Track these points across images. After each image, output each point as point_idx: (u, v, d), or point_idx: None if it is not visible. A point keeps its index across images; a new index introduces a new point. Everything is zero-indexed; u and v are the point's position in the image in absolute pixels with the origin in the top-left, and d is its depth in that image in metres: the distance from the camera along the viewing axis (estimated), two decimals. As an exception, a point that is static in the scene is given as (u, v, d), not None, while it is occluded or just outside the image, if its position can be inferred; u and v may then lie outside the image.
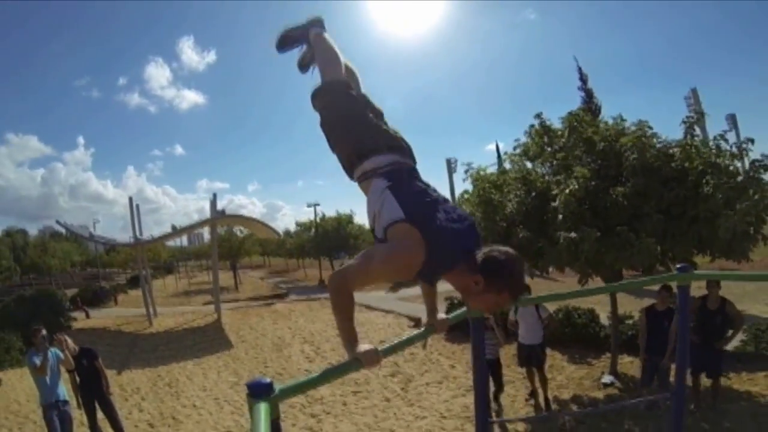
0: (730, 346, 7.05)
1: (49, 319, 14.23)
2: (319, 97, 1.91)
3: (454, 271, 1.54)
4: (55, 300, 16.37)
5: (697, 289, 5.45)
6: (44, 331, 5.65)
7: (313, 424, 6.79)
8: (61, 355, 5.77)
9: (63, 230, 34.71)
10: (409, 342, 1.87)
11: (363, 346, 1.48)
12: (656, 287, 5.97)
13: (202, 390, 8.93)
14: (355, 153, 1.76)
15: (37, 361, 5.50)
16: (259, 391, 1.15)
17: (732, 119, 22.72)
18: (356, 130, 1.79)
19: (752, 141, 5.67)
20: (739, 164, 5.74)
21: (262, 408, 1.09)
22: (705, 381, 5.92)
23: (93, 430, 6.43)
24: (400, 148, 1.78)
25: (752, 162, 5.53)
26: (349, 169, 1.82)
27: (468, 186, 7.19)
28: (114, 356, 11.85)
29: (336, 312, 1.52)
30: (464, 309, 2.30)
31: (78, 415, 6.32)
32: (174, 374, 10.08)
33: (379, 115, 1.87)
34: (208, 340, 13.66)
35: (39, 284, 31.23)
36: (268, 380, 1.17)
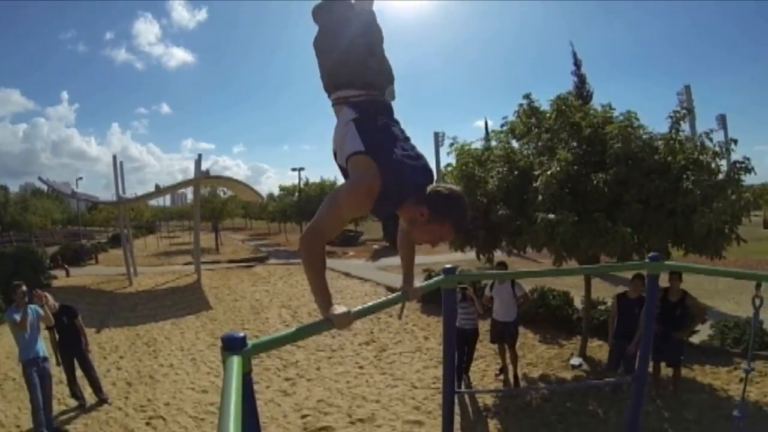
0: (696, 339, 7.34)
1: (29, 276, 14.06)
2: (317, 14, 1.96)
3: (405, 205, 1.65)
4: (35, 258, 16.15)
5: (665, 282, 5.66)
6: (24, 287, 5.63)
7: (287, 387, 6.93)
8: (41, 311, 5.78)
9: (45, 187, 33.98)
10: (382, 306, 1.93)
11: (336, 308, 1.55)
12: (632, 276, 6.16)
13: (179, 350, 9.00)
14: (331, 82, 1.89)
15: (17, 317, 5.51)
16: (232, 344, 1.20)
17: (722, 120, 22.95)
18: (337, 59, 1.86)
19: (735, 141, 5.80)
20: (722, 162, 5.87)
21: (235, 361, 1.14)
22: (666, 370, 6.17)
23: (72, 387, 6.54)
24: (375, 85, 1.86)
25: (733, 163, 5.66)
26: (327, 91, 1.94)
27: (452, 160, 7.21)
28: (93, 315, 11.80)
29: (308, 270, 1.60)
30: (437, 278, 2.37)
31: (57, 372, 6.38)
32: (152, 334, 10.12)
33: (372, 44, 1.90)
34: (186, 300, 13.68)
35: (19, 242, 30.71)
36: (242, 335, 1.22)
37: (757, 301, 2.36)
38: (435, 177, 1.74)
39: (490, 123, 30.41)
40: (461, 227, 1.69)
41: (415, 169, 1.68)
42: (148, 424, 6.02)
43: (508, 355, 6.94)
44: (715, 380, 6.44)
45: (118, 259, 21.26)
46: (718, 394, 6.03)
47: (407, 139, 1.79)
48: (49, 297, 6.09)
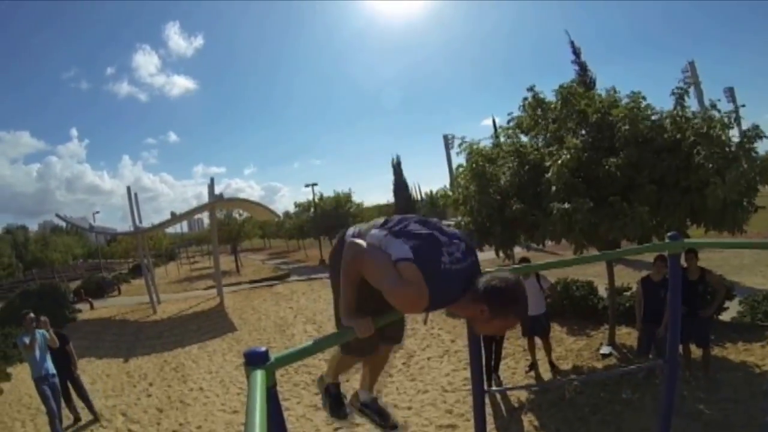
0: (726, 317, 7.17)
1: (54, 312, 14.37)
2: None
3: (458, 304, 1.61)
4: (59, 293, 16.44)
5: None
6: (32, 314, 6.49)
7: (317, 401, 6.92)
8: (47, 334, 6.57)
9: (63, 224, 34.75)
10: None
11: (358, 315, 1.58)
12: (654, 258, 6.05)
13: (207, 373, 9.08)
14: None
15: (26, 339, 6.30)
16: (255, 359, 1.21)
17: (730, 93, 22.59)
18: None
19: (743, 106, 5.69)
20: (734, 133, 5.75)
21: (259, 375, 1.15)
22: (696, 351, 6.04)
23: (68, 404, 7.12)
24: None
25: (744, 131, 5.55)
26: None
27: (462, 160, 7.18)
28: (120, 344, 12.03)
29: (344, 277, 1.63)
30: None
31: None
32: (180, 359, 10.23)
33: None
34: (211, 323, 13.79)
35: (42, 279, 31.31)
36: (264, 349, 1.23)
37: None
38: (480, 269, 1.69)
39: (497, 120, 30.30)
40: (523, 314, 1.63)
41: (463, 272, 1.61)
42: (182, 448, 6.08)
43: (538, 349, 6.87)
44: (749, 357, 6.28)
45: (140, 288, 21.56)
46: (753, 370, 5.90)
47: (452, 239, 1.70)
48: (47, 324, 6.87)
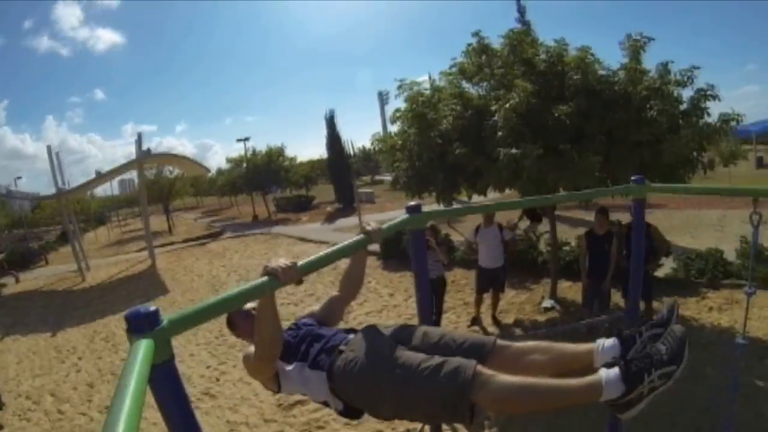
0: (661, 273, 7.43)
1: (-25, 289, 13.27)
2: None
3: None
4: (-22, 269, 15.02)
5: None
6: None
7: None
8: None
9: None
10: (340, 254, 1.60)
11: (279, 260, 1.34)
12: (591, 218, 6.04)
13: (141, 341, 8.52)
14: None
15: None
16: (139, 323, 0.85)
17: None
18: None
19: (698, 68, 5.61)
20: (686, 92, 5.71)
21: (142, 347, 0.79)
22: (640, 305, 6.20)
23: None
24: None
25: (697, 90, 5.53)
26: None
27: (400, 104, 6.74)
28: (47, 317, 11.13)
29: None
30: (402, 218, 2.07)
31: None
32: (110, 327, 9.53)
33: None
34: (143, 287, 13.10)
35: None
36: (153, 308, 0.87)
37: (755, 218, 2.16)
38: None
39: (435, 77, 30.06)
40: None
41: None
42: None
43: (485, 303, 6.84)
44: (685, 311, 6.54)
45: (69, 256, 20.05)
46: (690, 323, 6.12)
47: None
48: None
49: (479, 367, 1.39)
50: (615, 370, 1.32)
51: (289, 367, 1.73)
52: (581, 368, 1.49)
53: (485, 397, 1.35)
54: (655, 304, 6.45)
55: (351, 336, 1.75)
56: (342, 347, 1.67)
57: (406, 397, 1.44)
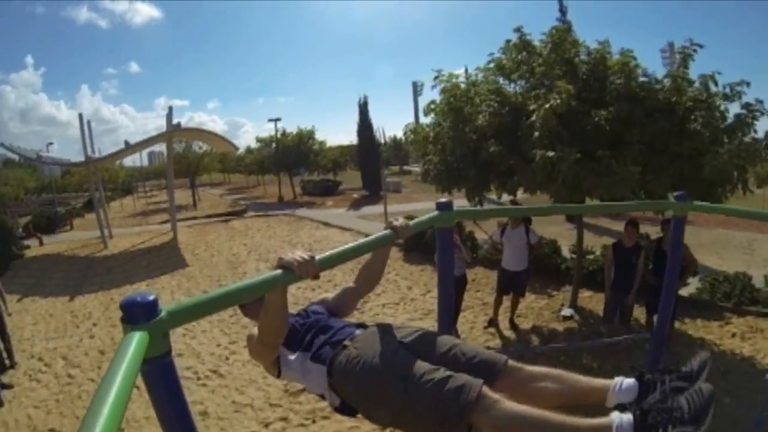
0: (685, 292, 7.18)
1: (1, 248, 13.61)
2: None
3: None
4: (6, 229, 15.45)
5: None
6: None
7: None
8: None
9: (15, 156, 32.34)
10: (366, 248, 1.52)
11: (298, 253, 1.25)
12: (618, 227, 5.82)
13: (155, 312, 8.61)
14: None
15: None
16: (135, 313, 0.76)
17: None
18: None
19: (748, 84, 5.32)
20: (733, 106, 5.43)
21: (135, 339, 0.71)
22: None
23: None
24: None
25: (745, 104, 5.26)
26: None
27: (436, 96, 6.54)
28: (67, 282, 11.31)
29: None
30: (431, 215, 1.97)
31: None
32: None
33: None
34: (162, 259, 13.18)
35: (-10, 214, 29.36)
36: (151, 297, 0.78)
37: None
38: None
39: (471, 72, 29.54)
40: None
41: None
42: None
43: (503, 305, 6.70)
44: (708, 335, 6.31)
45: (93, 223, 20.47)
46: (711, 348, 5.87)
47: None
48: None
49: (485, 389, 1.32)
50: (629, 417, 1.24)
51: (292, 356, 1.70)
52: (592, 403, 1.43)
53: (486, 422, 1.28)
54: (676, 324, 6.22)
55: (358, 332, 1.70)
56: (347, 342, 1.61)
57: (404, 406, 1.39)
